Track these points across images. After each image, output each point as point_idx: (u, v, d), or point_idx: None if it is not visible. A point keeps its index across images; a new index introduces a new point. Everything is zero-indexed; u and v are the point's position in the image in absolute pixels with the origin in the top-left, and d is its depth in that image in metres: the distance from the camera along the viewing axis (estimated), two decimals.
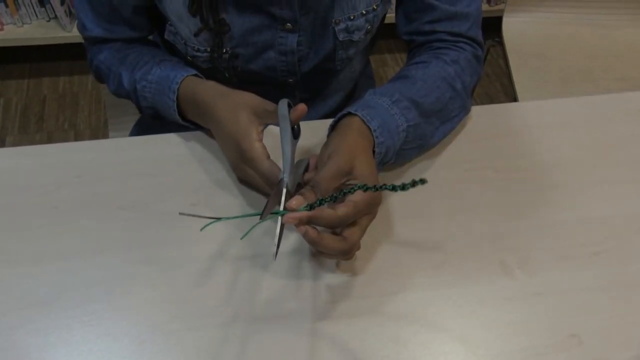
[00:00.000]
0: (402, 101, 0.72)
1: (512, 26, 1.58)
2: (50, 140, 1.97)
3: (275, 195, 0.61)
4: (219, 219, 0.59)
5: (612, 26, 1.60)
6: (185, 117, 0.78)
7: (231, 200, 0.72)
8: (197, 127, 0.79)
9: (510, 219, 0.72)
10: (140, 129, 1.02)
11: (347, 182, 0.62)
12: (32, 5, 2.03)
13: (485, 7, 2.20)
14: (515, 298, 0.64)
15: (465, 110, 0.81)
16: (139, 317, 0.61)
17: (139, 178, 0.75)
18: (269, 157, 0.67)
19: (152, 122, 0.83)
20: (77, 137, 1.99)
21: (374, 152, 0.67)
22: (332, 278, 0.65)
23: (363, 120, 0.67)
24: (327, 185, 0.60)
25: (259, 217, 0.59)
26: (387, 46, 2.37)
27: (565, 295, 0.64)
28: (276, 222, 0.58)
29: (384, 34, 0.94)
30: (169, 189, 0.73)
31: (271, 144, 0.68)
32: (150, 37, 0.90)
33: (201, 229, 0.60)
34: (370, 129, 0.67)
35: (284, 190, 0.61)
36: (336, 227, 0.59)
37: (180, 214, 0.61)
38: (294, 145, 0.65)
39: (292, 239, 0.68)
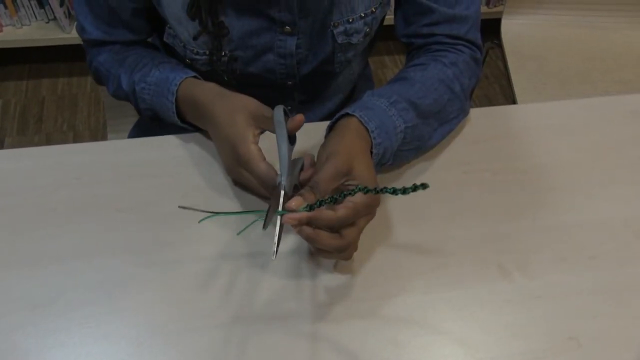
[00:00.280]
0: (400, 102, 0.72)
1: (511, 28, 1.58)
2: (49, 141, 1.97)
3: (275, 202, 0.61)
4: (217, 213, 0.64)
5: (611, 28, 1.60)
6: (183, 118, 0.78)
7: (230, 202, 0.72)
8: (196, 129, 0.79)
9: (509, 222, 0.72)
10: (139, 131, 1.02)
11: (346, 183, 0.62)
12: (32, 6, 2.03)
13: (484, 9, 2.20)
14: (514, 301, 0.64)
15: (464, 112, 0.81)
16: (137, 319, 0.61)
17: (138, 180, 0.75)
18: (264, 159, 0.67)
19: (151, 124, 0.83)
20: (76, 139, 1.98)
21: (371, 153, 0.67)
22: (331, 280, 0.65)
23: (361, 121, 0.67)
24: (326, 186, 0.60)
25: (256, 215, 0.59)
26: (386, 48, 2.37)
27: (564, 298, 0.64)
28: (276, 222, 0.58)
29: (382, 36, 0.94)
30: (168, 190, 0.73)
31: (267, 146, 0.68)
32: (150, 40, 0.90)
33: (199, 222, 0.64)
34: (367, 129, 0.67)
35: (282, 192, 0.61)
36: (335, 228, 0.60)
37: (179, 207, 0.65)
38: (290, 150, 0.65)
39: (291, 239, 0.68)
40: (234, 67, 0.83)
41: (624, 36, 1.59)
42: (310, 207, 0.57)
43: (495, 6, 2.22)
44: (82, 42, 0.88)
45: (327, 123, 0.71)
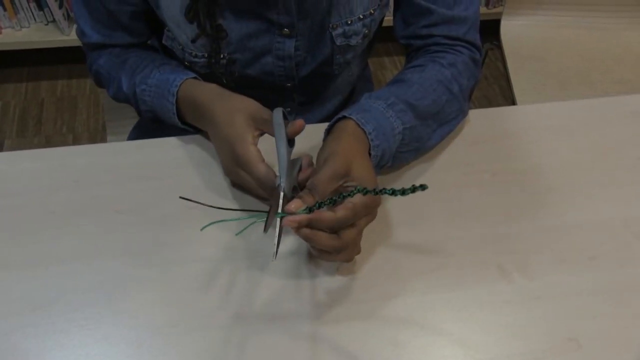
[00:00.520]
0: (398, 104, 0.72)
1: (511, 29, 1.58)
2: (48, 143, 1.97)
3: (275, 204, 0.61)
4: (218, 208, 0.67)
5: (610, 29, 1.60)
6: (184, 120, 0.78)
7: (229, 203, 0.72)
8: (196, 130, 0.80)
9: (508, 222, 0.72)
10: (139, 132, 1.02)
11: (345, 184, 0.62)
12: (31, 8, 2.03)
13: (483, 9, 2.21)
14: (514, 301, 0.64)
15: (463, 113, 0.81)
16: (136, 320, 0.61)
17: (137, 181, 0.75)
18: (263, 160, 0.67)
19: (150, 126, 0.84)
20: (76, 141, 1.98)
21: (370, 155, 0.67)
22: (331, 281, 0.65)
23: (358, 124, 0.67)
24: (324, 188, 0.60)
25: (256, 216, 0.60)
26: (385, 49, 2.37)
27: (564, 298, 0.64)
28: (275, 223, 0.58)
29: (382, 37, 0.94)
30: (167, 192, 0.73)
31: (266, 148, 0.68)
32: (149, 42, 0.90)
33: (201, 229, 0.65)
34: (365, 132, 0.67)
35: (282, 194, 0.61)
36: (335, 230, 0.59)
37: (180, 197, 0.67)
38: (289, 153, 0.65)
39: (291, 240, 0.68)
40: (232, 70, 0.83)
41: (624, 37, 1.59)
42: (310, 210, 0.57)
43: (494, 7, 2.22)
44: (81, 45, 0.89)
45: (326, 125, 0.71)
